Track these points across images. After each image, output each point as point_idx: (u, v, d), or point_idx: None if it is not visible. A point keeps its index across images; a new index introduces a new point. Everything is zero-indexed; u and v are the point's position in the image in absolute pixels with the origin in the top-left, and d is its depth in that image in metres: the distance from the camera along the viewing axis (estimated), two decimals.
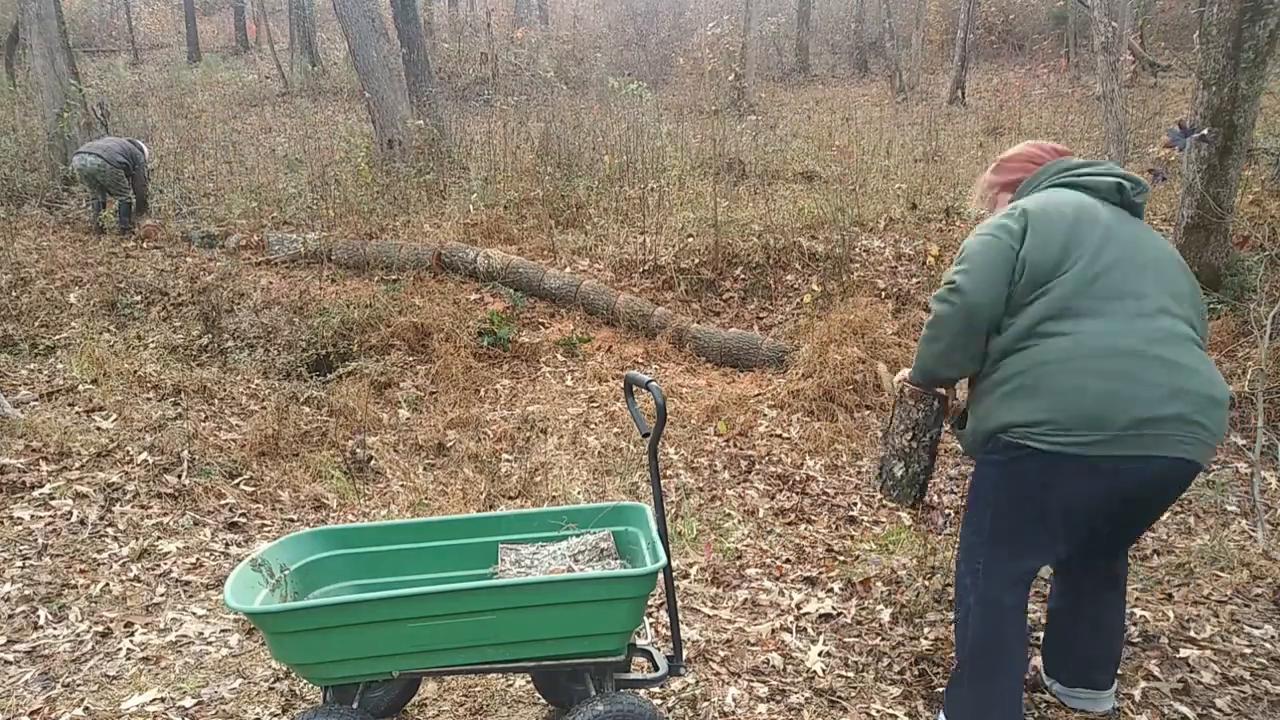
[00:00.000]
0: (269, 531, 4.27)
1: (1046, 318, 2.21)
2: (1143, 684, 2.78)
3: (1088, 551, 2.48)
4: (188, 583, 3.68)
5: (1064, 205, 2.31)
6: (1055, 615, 2.65)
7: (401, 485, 5.04)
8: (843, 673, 2.88)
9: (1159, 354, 2.15)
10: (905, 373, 2.61)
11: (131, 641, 3.21)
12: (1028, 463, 2.22)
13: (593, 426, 5.77)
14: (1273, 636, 3.02)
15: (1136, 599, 3.30)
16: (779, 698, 2.75)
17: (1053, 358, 2.18)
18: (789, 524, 4.47)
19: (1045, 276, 2.23)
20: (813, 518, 4.63)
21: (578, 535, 2.59)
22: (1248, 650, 2.95)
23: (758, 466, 5.06)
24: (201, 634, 3.26)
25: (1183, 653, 2.92)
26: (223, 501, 4.43)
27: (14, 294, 7.01)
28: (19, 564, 3.65)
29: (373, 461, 5.22)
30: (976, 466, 2.42)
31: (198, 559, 3.87)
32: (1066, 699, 2.70)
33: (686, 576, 3.52)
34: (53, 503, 4.08)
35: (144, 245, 8.52)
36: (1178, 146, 4.75)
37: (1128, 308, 2.19)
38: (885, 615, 3.23)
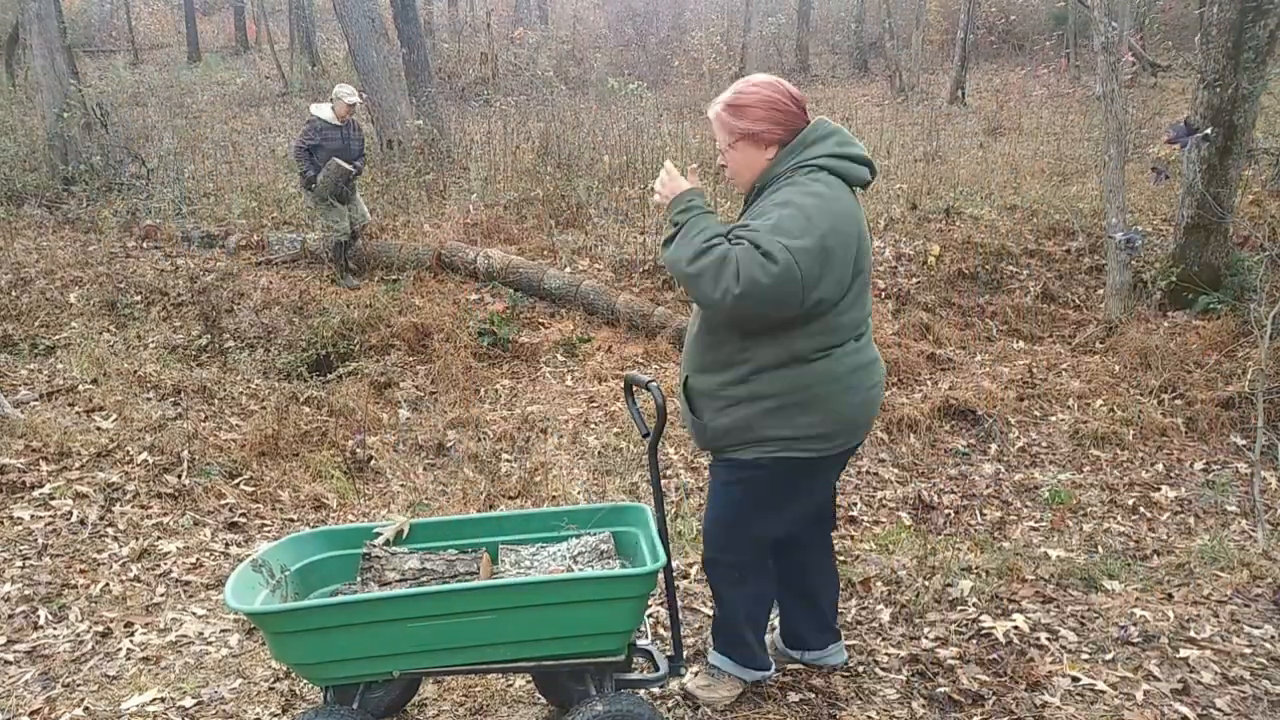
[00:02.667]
0: (269, 531, 4.27)
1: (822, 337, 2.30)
2: (1143, 684, 2.78)
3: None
4: (188, 583, 3.68)
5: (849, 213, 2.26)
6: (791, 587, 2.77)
7: (401, 485, 5.04)
8: (842, 672, 2.88)
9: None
10: None
11: (131, 641, 3.21)
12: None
13: (593, 426, 5.77)
14: (1273, 636, 3.02)
15: (1137, 599, 3.30)
16: (778, 697, 2.75)
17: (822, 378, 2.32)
18: None
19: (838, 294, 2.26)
20: None
21: (578, 536, 2.59)
22: (1248, 650, 2.94)
23: None
24: (201, 634, 3.26)
25: (1183, 653, 2.92)
26: (223, 501, 4.43)
27: (14, 294, 7.01)
28: (19, 564, 3.65)
29: (373, 461, 5.22)
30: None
31: (198, 559, 3.87)
32: (822, 661, 2.84)
33: (686, 576, 3.52)
34: (53, 503, 4.08)
35: (144, 245, 8.52)
36: (1180, 143, 4.75)
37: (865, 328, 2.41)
38: (885, 615, 3.23)
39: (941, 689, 2.78)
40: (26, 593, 3.47)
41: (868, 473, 5.28)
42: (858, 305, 2.33)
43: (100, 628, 3.29)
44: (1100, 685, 2.77)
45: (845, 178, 2.30)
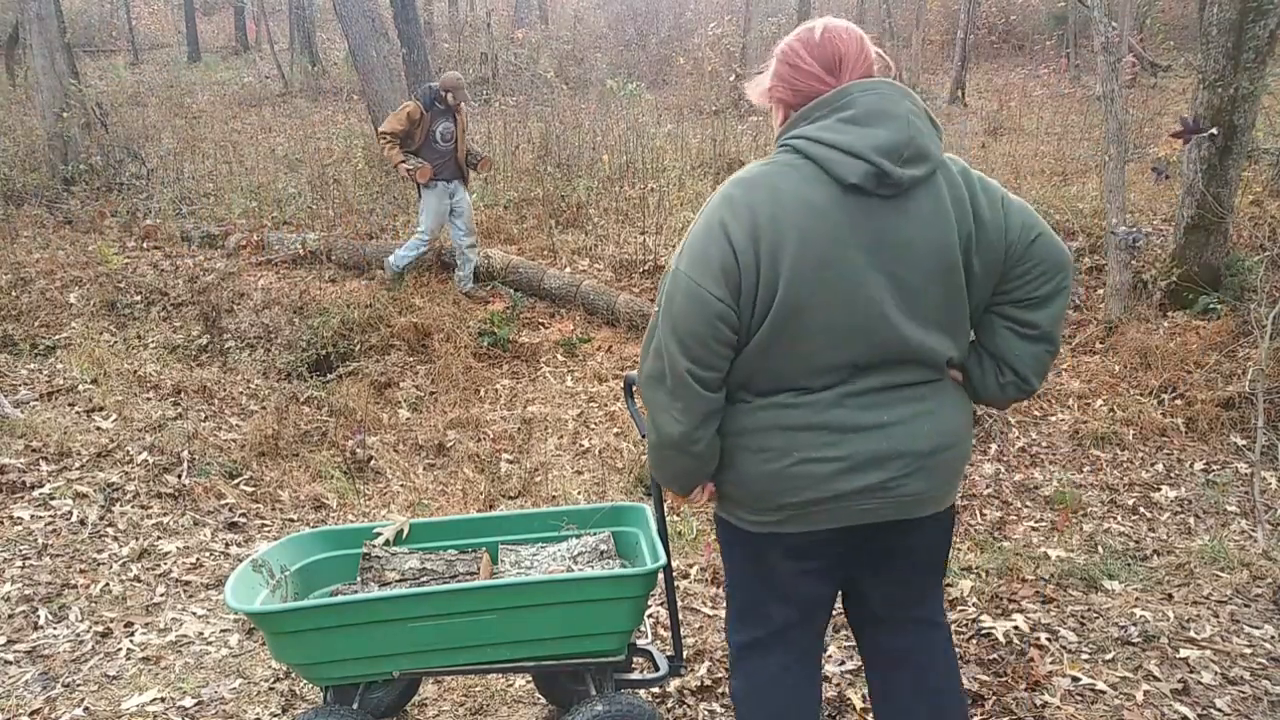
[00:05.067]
0: (269, 531, 4.27)
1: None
2: (1143, 684, 2.78)
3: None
4: (188, 583, 3.68)
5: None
6: None
7: (401, 485, 5.04)
8: (843, 671, 2.87)
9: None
10: None
11: (131, 641, 3.21)
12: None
13: (593, 426, 5.77)
14: (1273, 636, 3.02)
15: (1137, 599, 3.30)
16: None
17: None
18: None
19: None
20: None
21: (578, 536, 2.59)
22: (1248, 650, 2.94)
23: None
24: (201, 634, 3.26)
25: (1183, 653, 2.92)
26: (223, 501, 4.43)
27: (14, 294, 7.01)
28: (19, 564, 3.65)
29: (373, 461, 5.22)
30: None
31: (198, 559, 3.87)
32: None
33: (687, 576, 3.52)
34: (53, 503, 4.08)
35: (144, 245, 8.52)
36: (1187, 137, 4.78)
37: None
38: None
39: None
40: (26, 593, 3.47)
41: None
42: (800, 348, 1.64)
43: (100, 628, 3.29)
44: (1100, 685, 2.77)
45: (824, 166, 1.63)
